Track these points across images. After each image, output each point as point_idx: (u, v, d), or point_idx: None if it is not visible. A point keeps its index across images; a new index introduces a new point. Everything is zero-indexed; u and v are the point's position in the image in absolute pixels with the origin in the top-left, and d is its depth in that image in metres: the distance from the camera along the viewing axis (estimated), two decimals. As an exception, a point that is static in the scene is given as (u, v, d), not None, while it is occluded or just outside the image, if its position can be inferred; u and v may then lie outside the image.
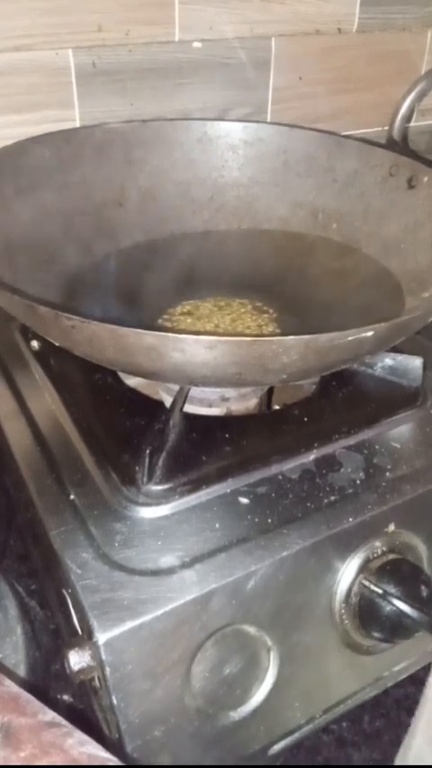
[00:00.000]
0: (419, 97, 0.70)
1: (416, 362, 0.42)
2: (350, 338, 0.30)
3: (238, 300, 0.47)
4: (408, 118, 0.70)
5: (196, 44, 0.60)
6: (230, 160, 0.55)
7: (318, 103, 0.69)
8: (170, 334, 0.28)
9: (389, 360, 0.43)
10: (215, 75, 0.62)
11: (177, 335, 0.28)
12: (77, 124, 0.58)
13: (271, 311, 0.46)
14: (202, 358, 0.30)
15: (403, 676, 0.41)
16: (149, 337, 0.29)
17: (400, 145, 0.69)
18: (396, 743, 0.39)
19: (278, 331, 0.45)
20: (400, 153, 0.51)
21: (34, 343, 0.46)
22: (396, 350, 0.42)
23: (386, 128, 0.72)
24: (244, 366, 0.31)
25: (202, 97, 0.62)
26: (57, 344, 0.36)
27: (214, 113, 0.64)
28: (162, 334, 0.29)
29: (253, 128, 0.55)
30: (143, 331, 0.28)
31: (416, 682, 0.41)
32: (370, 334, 0.30)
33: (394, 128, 0.69)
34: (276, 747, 0.37)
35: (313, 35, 0.66)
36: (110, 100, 0.58)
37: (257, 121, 0.58)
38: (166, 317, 0.46)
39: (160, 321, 0.45)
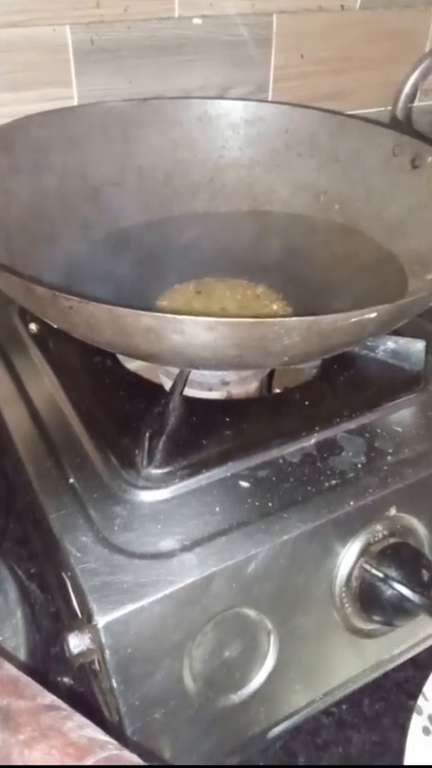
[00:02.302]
0: (423, 76, 0.69)
1: (418, 346, 0.42)
2: (353, 320, 0.30)
3: (239, 282, 0.47)
4: (411, 97, 0.69)
5: (196, 20, 0.59)
6: (231, 140, 0.54)
7: (320, 82, 0.68)
8: (169, 315, 0.28)
9: (391, 343, 0.42)
10: (216, 52, 0.61)
11: (176, 316, 0.28)
12: (75, 102, 0.57)
13: (271, 293, 0.46)
14: (202, 339, 0.29)
15: (403, 659, 0.41)
16: (148, 318, 0.28)
17: (403, 124, 0.68)
18: (395, 726, 0.39)
19: (279, 313, 0.44)
20: (404, 132, 0.51)
21: (33, 326, 0.45)
22: (398, 333, 0.42)
23: (389, 107, 0.71)
24: (245, 348, 0.30)
25: (203, 75, 0.61)
26: (55, 326, 0.36)
27: (215, 92, 0.62)
28: (161, 315, 0.28)
29: (254, 107, 0.55)
30: (141, 312, 0.28)
31: (416, 665, 0.42)
32: (373, 315, 0.30)
33: (398, 107, 0.68)
34: (276, 730, 0.37)
35: (316, 12, 0.64)
36: (108, 77, 0.57)
37: (259, 100, 0.57)
38: (164, 298, 0.45)
39: (159, 303, 0.45)
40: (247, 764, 0.36)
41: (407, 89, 0.67)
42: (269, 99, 0.66)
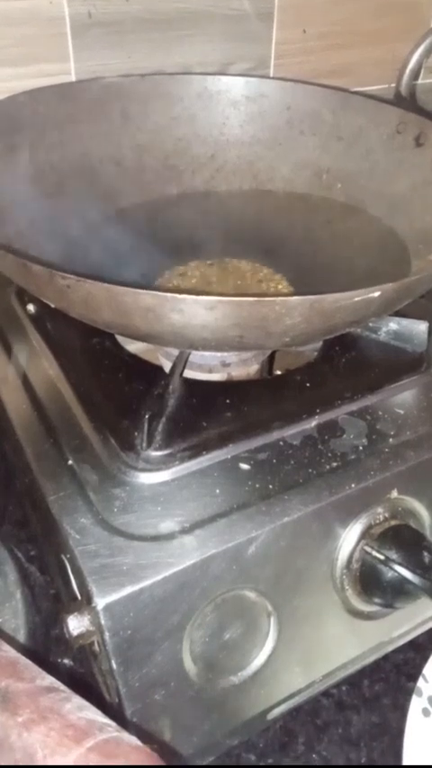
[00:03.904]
0: (428, 52, 0.67)
1: (421, 327, 0.41)
2: (356, 299, 0.29)
3: (240, 262, 0.46)
4: (416, 74, 0.67)
5: (197, -7, 0.57)
6: (232, 117, 0.53)
7: (322, 58, 0.67)
8: (168, 294, 0.27)
9: (393, 324, 0.42)
10: (216, 26, 0.60)
11: (176, 295, 0.27)
12: (73, 78, 0.56)
13: (273, 273, 0.45)
14: (202, 319, 0.29)
15: (403, 641, 0.41)
16: (147, 297, 0.28)
17: (407, 101, 0.67)
18: (395, 707, 0.39)
19: (281, 292, 0.44)
20: (408, 110, 0.50)
21: (30, 307, 0.45)
22: (400, 314, 0.41)
23: (393, 85, 0.69)
24: (246, 328, 0.30)
25: (203, 50, 0.60)
26: (53, 306, 0.35)
27: (215, 67, 0.61)
28: (160, 293, 0.28)
29: (255, 83, 0.53)
30: (140, 290, 0.27)
31: (416, 647, 0.42)
32: (377, 294, 0.29)
33: (402, 84, 0.67)
34: (276, 711, 0.37)
35: (318, -15, 0.63)
36: (106, 52, 0.56)
37: (260, 76, 0.56)
38: (164, 279, 0.44)
39: (158, 283, 0.44)
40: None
41: (411, 65, 0.66)
42: (271, 75, 0.65)
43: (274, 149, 0.53)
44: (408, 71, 0.67)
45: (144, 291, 0.27)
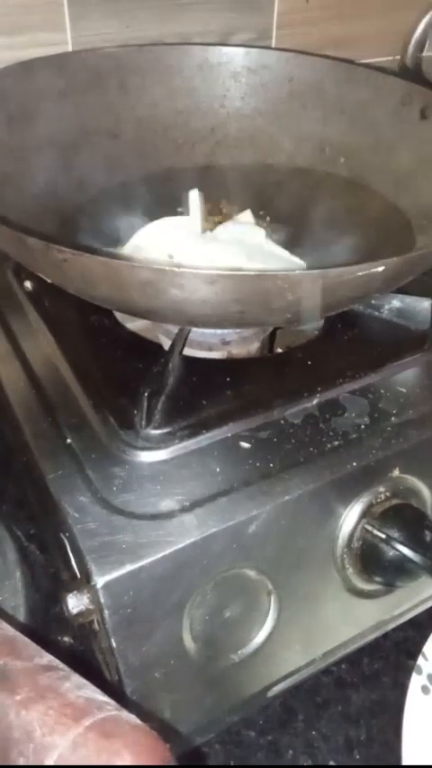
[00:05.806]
0: (434, 23, 0.65)
1: (424, 304, 0.41)
2: (360, 274, 0.28)
3: (240, 238, 0.45)
4: (421, 46, 0.66)
5: (196, -39, 0.56)
6: (233, 89, 0.52)
7: (325, 29, 0.65)
8: (167, 268, 0.27)
9: (396, 301, 0.41)
10: (217, -5, 0.58)
11: (175, 269, 0.27)
12: (70, 48, 0.54)
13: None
14: (202, 294, 0.28)
15: (403, 620, 0.41)
16: (145, 271, 0.27)
17: (413, 73, 0.65)
18: (395, 685, 0.39)
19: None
20: (413, 82, 0.48)
21: (28, 284, 0.44)
22: (403, 292, 0.40)
23: (398, 57, 0.68)
24: (247, 303, 0.29)
25: (203, 20, 0.59)
26: (49, 281, 0.34)
27: (215, 38, 0.60)
28: (159, 267, 0.27)
29: (257, 54, 0.52)
30: (138, 264, 0.27)
31: (415, 625, 0.42)
32: (381, 269, 0.29)
33: (407, 56, 0.65)
34: (276, 689, 0.37)
35: None
36: (104, 22, 0.55)
37: (262, 47, 0.54)
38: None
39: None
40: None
41: (416, 36, 0.64)
42: (273, 46, 0.63)
43: (275, 122, 0.52)
44: (413, 42, 0.65)
45: (142, 265, 0.27)
